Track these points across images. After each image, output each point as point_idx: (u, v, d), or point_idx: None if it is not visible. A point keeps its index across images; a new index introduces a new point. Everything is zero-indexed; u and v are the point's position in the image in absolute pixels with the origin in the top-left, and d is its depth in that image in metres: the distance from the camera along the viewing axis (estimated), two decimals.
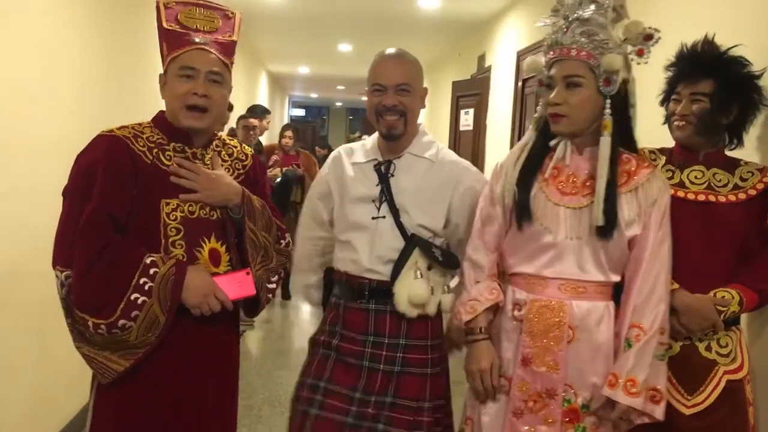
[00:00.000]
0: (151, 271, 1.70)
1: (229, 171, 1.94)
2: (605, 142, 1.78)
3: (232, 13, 1.94)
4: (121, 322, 1.68)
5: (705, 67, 2.00)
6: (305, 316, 5.88)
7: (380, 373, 2.03)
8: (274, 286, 2.02)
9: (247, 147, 2.07)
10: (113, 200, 1.72)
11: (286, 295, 6.48)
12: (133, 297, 1.68)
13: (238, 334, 2.05)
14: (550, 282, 1.85)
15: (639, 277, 1.81)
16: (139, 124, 1.86)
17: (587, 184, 1.84)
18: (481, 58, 7.01)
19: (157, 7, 1.85)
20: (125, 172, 1.74)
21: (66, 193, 1.78)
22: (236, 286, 1.83)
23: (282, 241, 2.05)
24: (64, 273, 1.71)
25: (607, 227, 1.77)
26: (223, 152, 1.97)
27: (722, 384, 1.94)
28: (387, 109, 2.04)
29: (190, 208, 1.81)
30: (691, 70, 2.03)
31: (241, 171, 1.99)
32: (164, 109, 1.90)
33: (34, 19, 2.81)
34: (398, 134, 2.06)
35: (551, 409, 1.83)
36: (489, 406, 1.93)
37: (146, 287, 1.69)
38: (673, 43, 2.10)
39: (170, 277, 1.71)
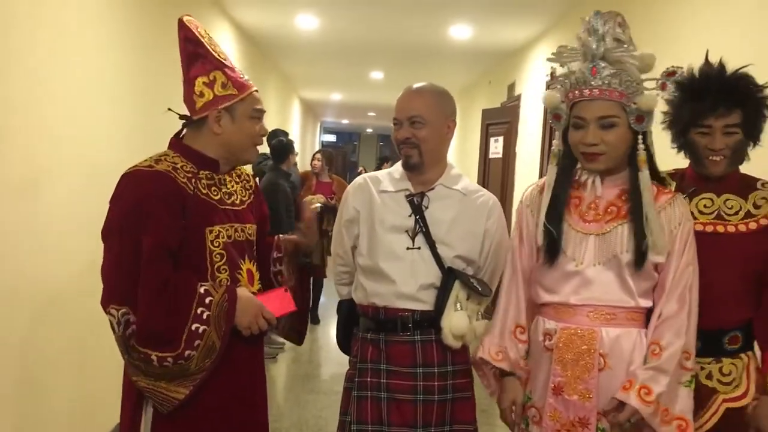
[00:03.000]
0: (207, 300, 1.75)
1: (242, 193, 1.99)
2: (645, 177, 1.83)
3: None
4: (187, 352, 1.72)
5: (737, 100, 1.91)
6: (333, 340, 5.89)
7: (435, 404, 2.05)
8: None
9: (245, 169, 2.11)
10: (169, 233, 1.75)
11: (315, 320, 6.53)
12: (194, 327, 1.73)
13: (263, 353, 2.08)
14: (578, 309, 1.87)
15: (662, 301, 1.83)
16: (166, 155, 1.86)
17: (608, 210, 1.87)
18: (511, 87, 7.06)
19: (200, 34, 1.86)
20: (176, 206, 1.78)
21: (112, 233, 1.76)
22: (278, 303, 1.89)
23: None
24: (120, 311, 1.70)
25: (641, 256, 1.81)
26: (234, 175, 2.01)
27: (720, 411, 1.93)
28: (401, 142, 2.08)
29: (228, 233, 1.87)
30: (721, 103, 1.89)
31: (251, 191, 2.05)
32: (183, 135, 1.93)
33: (90, 53, 2.95)
34: (414, 163, 2.07)
35: None
36: None
37: (204, 316, 1.74)
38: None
39: (224, 304, 1.76)
